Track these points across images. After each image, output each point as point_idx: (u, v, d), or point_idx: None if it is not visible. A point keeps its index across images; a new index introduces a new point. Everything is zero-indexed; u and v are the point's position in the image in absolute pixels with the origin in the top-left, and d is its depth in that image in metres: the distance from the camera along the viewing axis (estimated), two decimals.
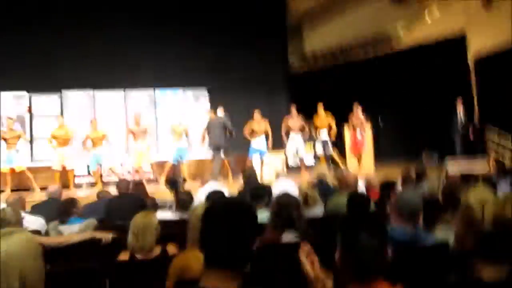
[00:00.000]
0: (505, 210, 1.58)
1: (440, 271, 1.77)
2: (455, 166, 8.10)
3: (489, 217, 1.58)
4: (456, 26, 10.88)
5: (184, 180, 9.00)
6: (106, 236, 3.59)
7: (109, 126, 10.46)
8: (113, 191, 6.23)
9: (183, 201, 4.55)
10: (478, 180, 3.88)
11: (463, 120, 9.88)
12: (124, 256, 2.99)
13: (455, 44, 10.92)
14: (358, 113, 10.16)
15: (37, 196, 7.63)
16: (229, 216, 1.43)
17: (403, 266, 2.21)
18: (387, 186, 5.20)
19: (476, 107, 10.50)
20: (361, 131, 10.09)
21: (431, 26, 11.40)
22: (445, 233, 2.76)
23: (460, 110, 9.92)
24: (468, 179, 4.25)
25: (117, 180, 7.38)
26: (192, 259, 2.35)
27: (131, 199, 5.21)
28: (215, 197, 3.99)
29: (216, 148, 9.48)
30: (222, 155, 9.52)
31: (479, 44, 10.59)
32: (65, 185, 8.65)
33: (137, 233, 2.96)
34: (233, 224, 1.41)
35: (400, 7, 12.22)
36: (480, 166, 7.79)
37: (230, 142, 9.67)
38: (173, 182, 6.78)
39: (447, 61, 10.96)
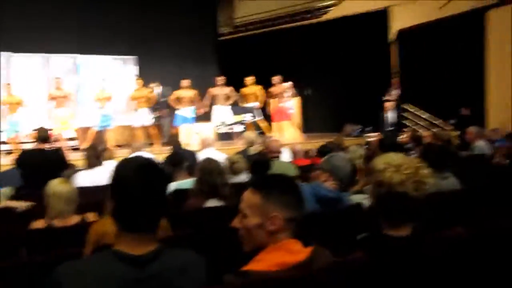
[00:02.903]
0: (402, 172, 1.69)
1: (353, 230, 1.87)
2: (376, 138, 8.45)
3: (392, 180, 1.68)
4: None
5: (106, 148, 8.76)
6: (22, 205, 3.44)
7: (29, 91, 9.97)
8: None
9: None
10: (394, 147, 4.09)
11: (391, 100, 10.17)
12: (41, 224, 2.89)
13: (380, 17, 11.24)
14: (278, 82, 10.25)
15: None
16: (139, 177, 1.34)
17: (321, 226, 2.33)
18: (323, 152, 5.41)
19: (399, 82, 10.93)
20: (282, 100, 10.19)
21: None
22: (362, 197, 2.94)
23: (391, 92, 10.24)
24: (385, 147, 4.45)
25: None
26: (110, 224, 2.30)
27: (49, 157, 5.02)
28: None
29: None
30: None
31: (403, 17, 10.98)
32: None
33: (54, 200, 2.86)
34: (143, 186, 1.33)
35: None
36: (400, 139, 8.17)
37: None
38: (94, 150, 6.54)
39: (372, 34, 11.30)
